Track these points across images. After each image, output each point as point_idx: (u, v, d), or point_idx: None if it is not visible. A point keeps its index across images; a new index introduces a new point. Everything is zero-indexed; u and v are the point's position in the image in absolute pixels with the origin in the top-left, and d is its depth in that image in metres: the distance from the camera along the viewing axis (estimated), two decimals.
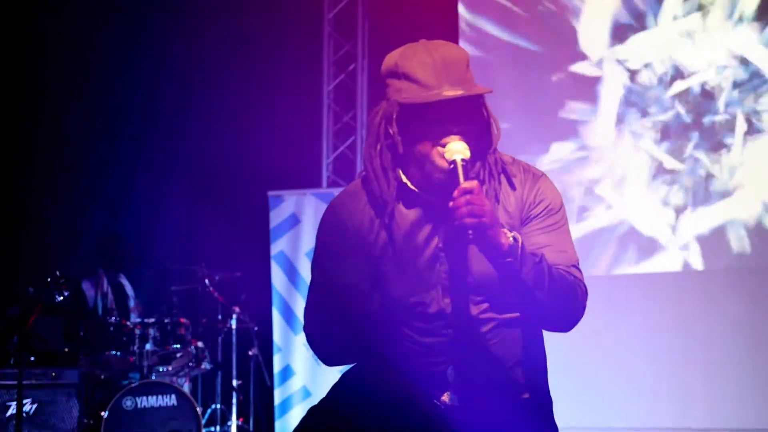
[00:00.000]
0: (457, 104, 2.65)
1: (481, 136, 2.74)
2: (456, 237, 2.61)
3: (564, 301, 2.70)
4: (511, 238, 2.56)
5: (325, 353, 2.87)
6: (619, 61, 7.73)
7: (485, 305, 2.75)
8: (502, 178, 2.78)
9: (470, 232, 2.51)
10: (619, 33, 7.78)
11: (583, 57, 7.85)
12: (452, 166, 2.61)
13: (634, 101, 7.68)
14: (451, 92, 2.63)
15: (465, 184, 2.54)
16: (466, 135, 2.65)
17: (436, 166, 2.66)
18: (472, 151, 2.68)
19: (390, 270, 2.76)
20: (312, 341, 2.88)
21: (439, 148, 2.65)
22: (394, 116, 2.72)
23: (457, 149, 2.62)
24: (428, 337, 2.76)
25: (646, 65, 7.67)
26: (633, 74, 7.70)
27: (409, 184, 2.77)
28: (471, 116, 2.70)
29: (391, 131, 2.73)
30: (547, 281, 2.62)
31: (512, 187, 2.79)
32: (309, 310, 2.87)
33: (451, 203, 2.53)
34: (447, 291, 2.75)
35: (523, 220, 2.78)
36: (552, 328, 2.83)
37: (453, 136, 2.64)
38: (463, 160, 2.61)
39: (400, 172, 2.78)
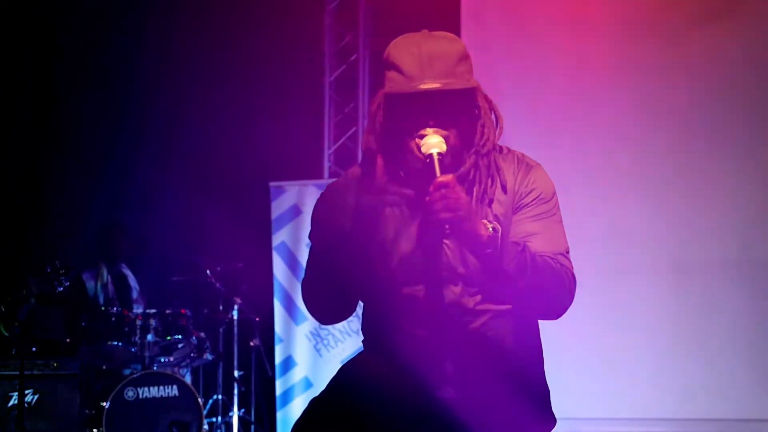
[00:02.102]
0: (438, 97, 2.68)
1: (470, 130, 2.77)
2: (433, 230, 2.63)
3: (549, 288, 2.71)
4: (490, 229, 2.58)
5: (319, 316, 2.93)
6: None
7: (479, 297, 2.77)
8: (494, 170, 2.80)
9: (447, 226, 2.53)
10: None
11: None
12: (428, 160, 2.64)
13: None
14: (427, 85, 2.66)
15: (440, 179, 2.56)
16: (449, 128, 2.69)
17: (414, 157, 2.71)
18: (461, 145, 2.73)
19: (383, 260, 2.78)
20: (308, 304, 2.92)
21: (417, 140, 2.69)
22: (382, 105, 2.77)
23: (433, 143, 2.66)
24: (425, 329, 2.77)
25: None
26: None
27: (401, 174, 2.80)
28: (456, 110, 2.73)
29: (378, 120, 2.79)
30: (530, 270, 2.63)
31: (505, 178, 2.81)
32: (305, 277, 2.91)
33: (427, 198, 2.56)
34: (442, 283, 2.76)
35: (514, 209, 2.80)
36: (540, 316, 2.85)
37: (429, 129, 2.68)
38: (439, 153, 2.64)
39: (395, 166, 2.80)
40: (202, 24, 9.08)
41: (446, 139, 2.68)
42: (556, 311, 2.78)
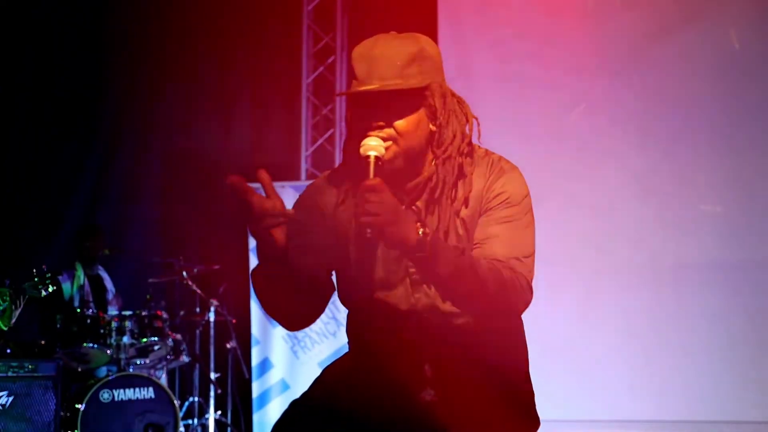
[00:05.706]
0: (383, 99, 2.67)
1: (426, 133, 2.74)
2: (360, 235, 2.57)
3: (494, 294, 2.63)
4: (420, 233, 2.54)
5: (283, 321, 2.85)
6: None
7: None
8: (460, 175, 2.77)
9: (368, 230, 2.49)
10: None
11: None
12: (366, 163, 2.63)
13: None
14: (365, 87, 2.65)
15: (367, 182, 2.53)
16: (396, 131, 2.66)
17: (363, 159, 2.67)
18: (417, 149, 2.71)
19: (359, 264, 2.78)
20: (269, 309, 2.83)
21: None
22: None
23: (371, 146, 2.64)
24: (403, 333, 2.77)
25: None
26: None
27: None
28: (403, 112, 2.70)
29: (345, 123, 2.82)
30: (469, 275, 2.58)
31: (472, 183, 2.77)
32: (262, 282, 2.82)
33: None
34: (415, 286, 2.76)
35: (481, 212, 2.77)
36: (489, 320, 2.81)
37: (371, 132, 2.66)
38: (377, 157, 2.62)
39: None
40: (180, 24, 9.05)
41: (395, 142, 2.67)
42: (505, 316, 2.78)
